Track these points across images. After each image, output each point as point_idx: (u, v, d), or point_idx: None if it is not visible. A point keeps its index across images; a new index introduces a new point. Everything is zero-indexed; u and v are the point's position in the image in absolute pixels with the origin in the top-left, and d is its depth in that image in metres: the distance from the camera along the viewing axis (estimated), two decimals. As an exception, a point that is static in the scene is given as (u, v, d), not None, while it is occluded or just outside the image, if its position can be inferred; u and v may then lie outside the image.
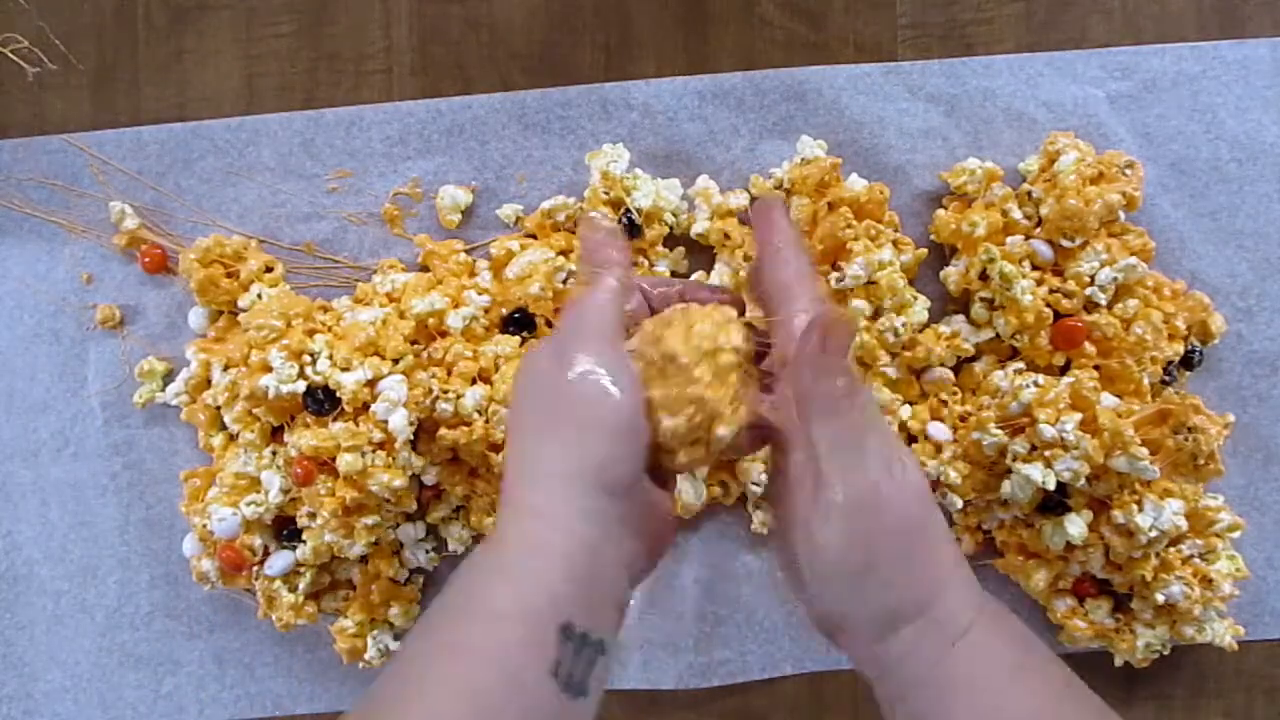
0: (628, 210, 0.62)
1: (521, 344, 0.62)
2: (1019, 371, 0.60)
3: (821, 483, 0.41)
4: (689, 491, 0.61)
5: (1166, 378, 0.61)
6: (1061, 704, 0.41)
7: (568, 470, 0.41)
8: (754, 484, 0.62)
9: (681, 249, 0.64)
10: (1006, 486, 0.59)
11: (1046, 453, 0.57)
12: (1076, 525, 0.59)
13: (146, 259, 0.64)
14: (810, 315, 0.43)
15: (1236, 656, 0.65)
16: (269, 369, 0.59)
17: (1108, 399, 0.59)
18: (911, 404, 0.63)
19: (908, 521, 0.42)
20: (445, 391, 0.59)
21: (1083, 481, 0.57)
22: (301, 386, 0.58)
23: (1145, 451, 0.57)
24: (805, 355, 0.42)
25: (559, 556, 0.40)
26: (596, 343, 0.43)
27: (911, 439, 0.62)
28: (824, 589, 0.43)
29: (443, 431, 0.60)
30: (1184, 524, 0.58)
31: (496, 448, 0.60)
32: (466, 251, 0.64)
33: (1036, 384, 0.58)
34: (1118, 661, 0.62)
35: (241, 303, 0.62)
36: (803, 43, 0.65)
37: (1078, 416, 0.57)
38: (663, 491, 0.45)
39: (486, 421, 0.60)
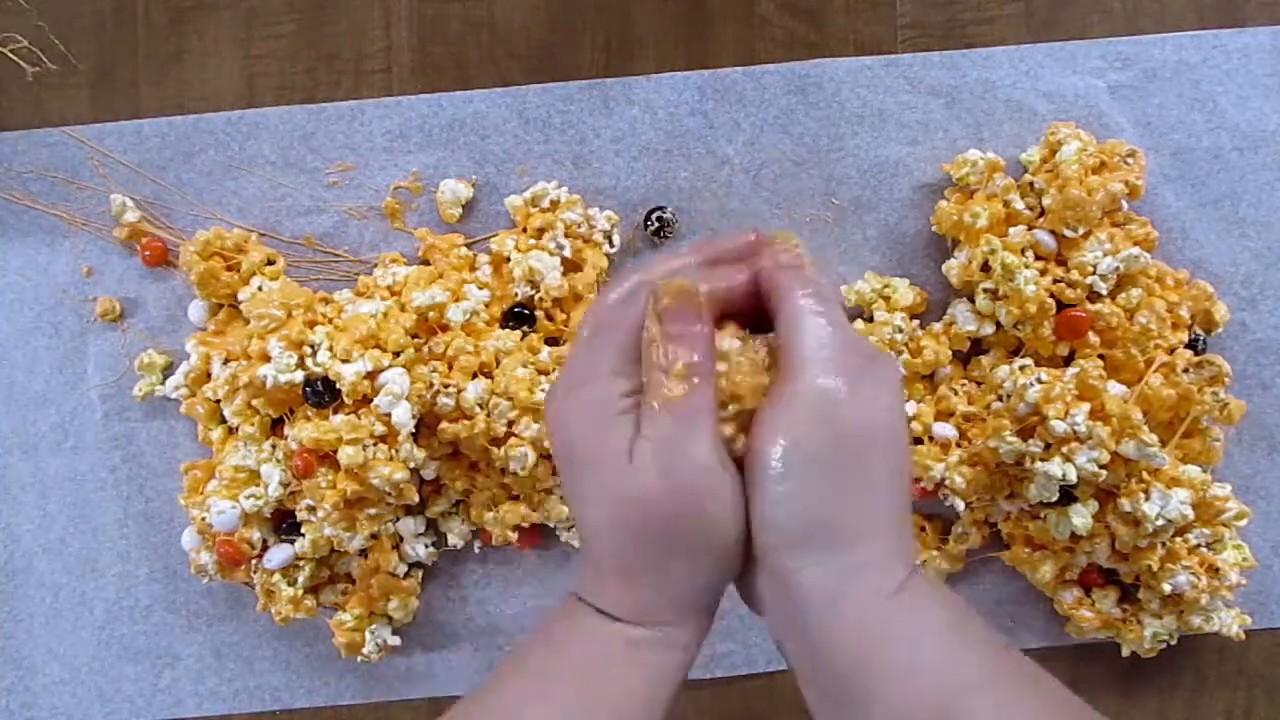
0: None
1: (522, 338, 0.62)
2: (1023, 369, 0.60)
3: (786, 370, 0.39)
4: None
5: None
6: (1001, 674, 0.38)
7: (657, 592, 0.39)
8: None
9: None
10: (1032, 491, 0.59)
11: (1064, 448, 0.57)
12: (1081, 515, 0.58)
13: (147, 252, 0.64)
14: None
15: (1237, 655, 0.64)
16: (269, 359, 0.58)
17: (1114, 387, 0.58)
18: (918, 402, 0.62)
19: (861, 437, 0.38)
20: (446, 386, 0.59)
21: (1104, 474, 0.57)
22: (299, 377, 0.58)
23: (1155, 438, 0.56)
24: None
25: (621, 678, 0.39)
26: (706, 456, 0.39)
27: (916, 440, 0.62)
28: (757, 492, 0.38)
29: (444, 425, 0.60)
30: (1190, 513, 0.57)
31: (498, 442, 0.60)
32: (467, 246, 0.64)
33: (1040, 380, 0.58)
34: (1125, 652, 0.62)
35: (242, 296, 0.62)
36: (802, 42, 0.65)
37: (1086, 407, 0.57)
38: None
39: (488, 415, 0.59)
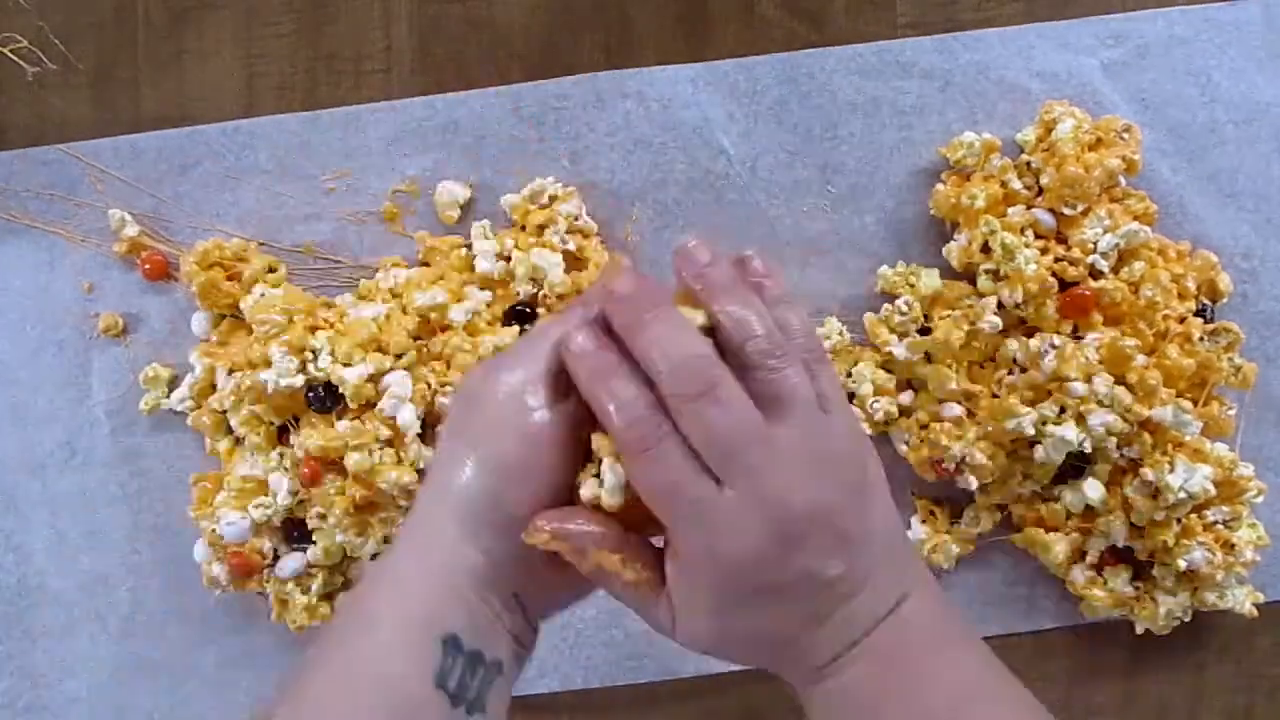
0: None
1: (520, 334, 0.62)
2: (1032, 335, 0.60)
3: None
4: (608, 481, 0.45)
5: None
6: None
7: (466, 493, 0.40)
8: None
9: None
10: (1040, 452, 0.59)
11: (1081, 408, 0.57)
12: (1095, 489, 0.59)
13: (147, 266, 0.64)
14: None
15: (1237, 656, 0.65)
16: (271, 364, 0.58)
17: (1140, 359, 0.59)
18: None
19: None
20: (445, 385, 0.59)
21: (1112, 441, 0.57)
22: (300, 381, 0.58)
23: (1189, 404, 0.57)
24: None
25: (441, 573, 0.40)
26: (535, 366, 0.41)
27: (922, 427, 0.62)
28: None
29: (444, 427, 0.60)
30: (1213, 490, 0.57)
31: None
32: (466, 247, 0.64)
33: (1054, 346, 0.58)
34: (1139, 629, 0.62)
35: (244, 305, 0.62)
36: (802, 42, 0.65)
37: (1108, 377, 0.57)
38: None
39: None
